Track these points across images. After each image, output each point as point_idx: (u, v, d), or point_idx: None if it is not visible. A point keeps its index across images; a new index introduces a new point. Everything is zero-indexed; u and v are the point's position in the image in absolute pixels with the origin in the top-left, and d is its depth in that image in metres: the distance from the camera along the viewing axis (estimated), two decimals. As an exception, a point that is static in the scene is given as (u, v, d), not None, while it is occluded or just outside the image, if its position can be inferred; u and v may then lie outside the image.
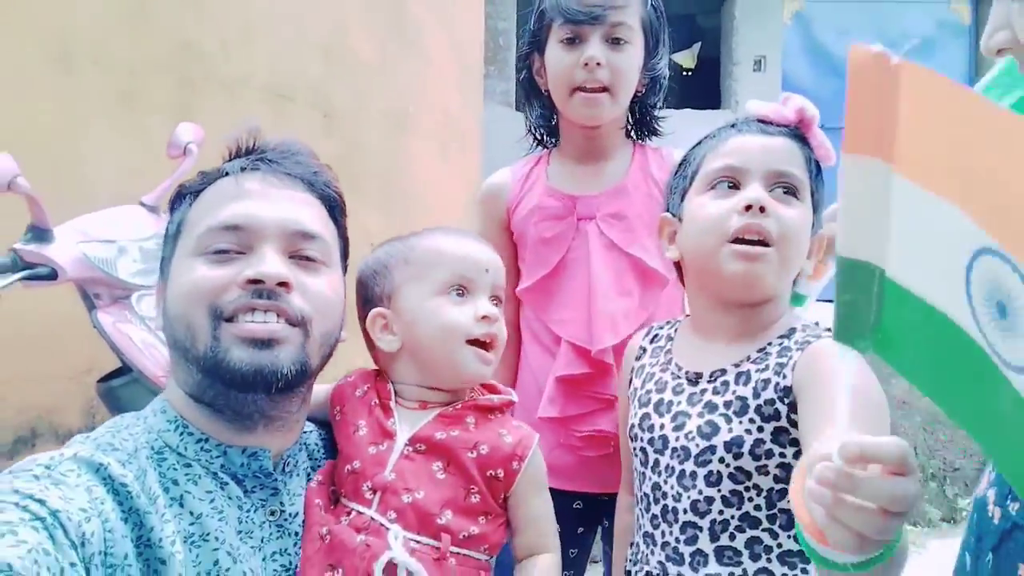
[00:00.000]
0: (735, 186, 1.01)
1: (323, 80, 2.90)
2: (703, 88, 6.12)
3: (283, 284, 0.83)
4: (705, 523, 0.96)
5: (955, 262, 0.48)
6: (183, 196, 0.91)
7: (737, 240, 0.97)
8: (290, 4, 2.77)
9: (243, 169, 0.90)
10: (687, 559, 0.97)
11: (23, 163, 1.73)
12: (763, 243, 0.96)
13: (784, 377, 0.94)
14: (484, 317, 0.95)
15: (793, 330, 1.00)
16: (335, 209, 0.96)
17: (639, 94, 1.38)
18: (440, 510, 0.87)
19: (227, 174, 0.90)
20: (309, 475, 0.94)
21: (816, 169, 1.03)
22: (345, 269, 0.97)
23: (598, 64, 1.28)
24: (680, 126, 1.54)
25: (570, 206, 1.36)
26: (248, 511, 0.84)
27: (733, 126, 1.07)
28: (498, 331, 0.97)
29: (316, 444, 0.99)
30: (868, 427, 0.72)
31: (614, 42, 1.30)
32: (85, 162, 2.15)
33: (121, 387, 1.98)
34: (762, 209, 0.96)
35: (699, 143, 1.10)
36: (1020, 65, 0.66)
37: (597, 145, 1.38)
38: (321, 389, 0.99)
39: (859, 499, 0.55)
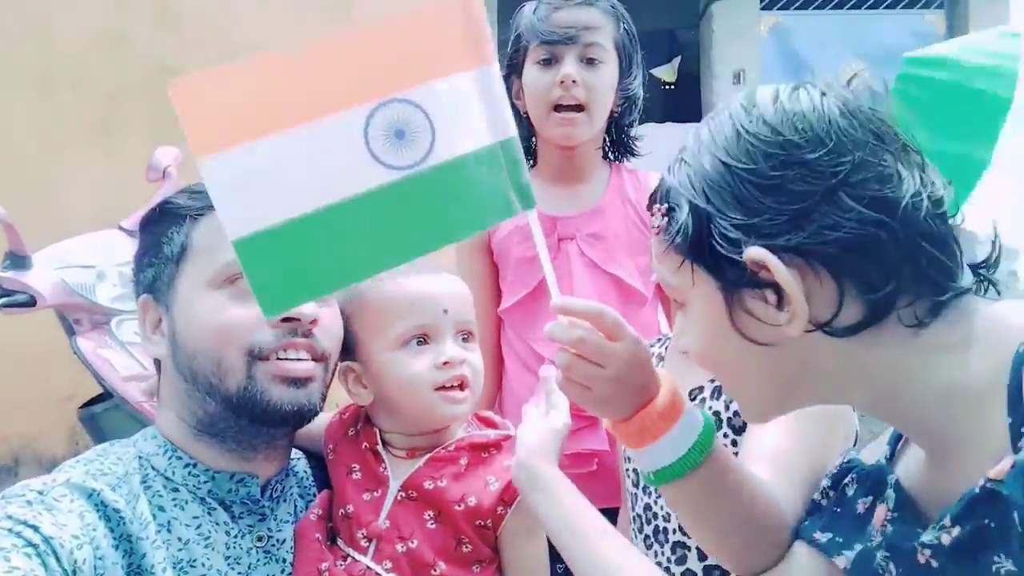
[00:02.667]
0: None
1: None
2: (684, 102, 6.18)
3: (313, 321, 0.84)
4: (693, 543, 0.97)
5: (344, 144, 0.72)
6: (180, 216, 0.87)
7: None
8: (270, 29, 2.79)
9: None
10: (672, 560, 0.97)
11: (0, 189, 1.74)
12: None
13: (728, 408, 0.96)
14: (446, 363, 0.90)
15: None
16: None
17: (614, 114, 1.40)
18: (434, 559, 0.86)
19: None
20: (296, 502, 0.94)
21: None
22: None
23: (573, 82, 1.30)
24: (662, 140, 1.57)
25: (550, 227, 1.37)
26: (236, 537, 0.84)
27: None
28: (467, 370, 0.92)
29: (305, 472, 0.98)
30: (804, 424, 0.81)
31: (589, 62, 1.33)
32: (63, 188, 2.16)
33: (103, 413, 1.98)
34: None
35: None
36: None
37: (574, 166, 1.40)
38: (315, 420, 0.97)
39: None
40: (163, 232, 0.87)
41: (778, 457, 0.79)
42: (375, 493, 0.90)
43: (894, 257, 0.56)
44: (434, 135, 0.70)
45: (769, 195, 0.58)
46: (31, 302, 1.86)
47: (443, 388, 0.90)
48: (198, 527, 0.81)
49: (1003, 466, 0.50)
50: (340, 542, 0.90)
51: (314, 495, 0.96)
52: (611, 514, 1.20)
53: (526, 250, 1.37)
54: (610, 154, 1.45)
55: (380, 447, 0.94)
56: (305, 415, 0.84)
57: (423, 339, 0.92)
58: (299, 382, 0.83)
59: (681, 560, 0.99)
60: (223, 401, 0.82)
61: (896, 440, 0.68)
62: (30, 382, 2.10)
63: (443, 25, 0.71)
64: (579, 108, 1.32)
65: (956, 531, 0.54)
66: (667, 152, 1.64)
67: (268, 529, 0.86)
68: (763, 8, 5.99)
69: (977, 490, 0.52)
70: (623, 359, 0.70)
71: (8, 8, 2.04)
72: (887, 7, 5.90)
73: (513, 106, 1.43)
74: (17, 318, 1.84)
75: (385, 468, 0.92)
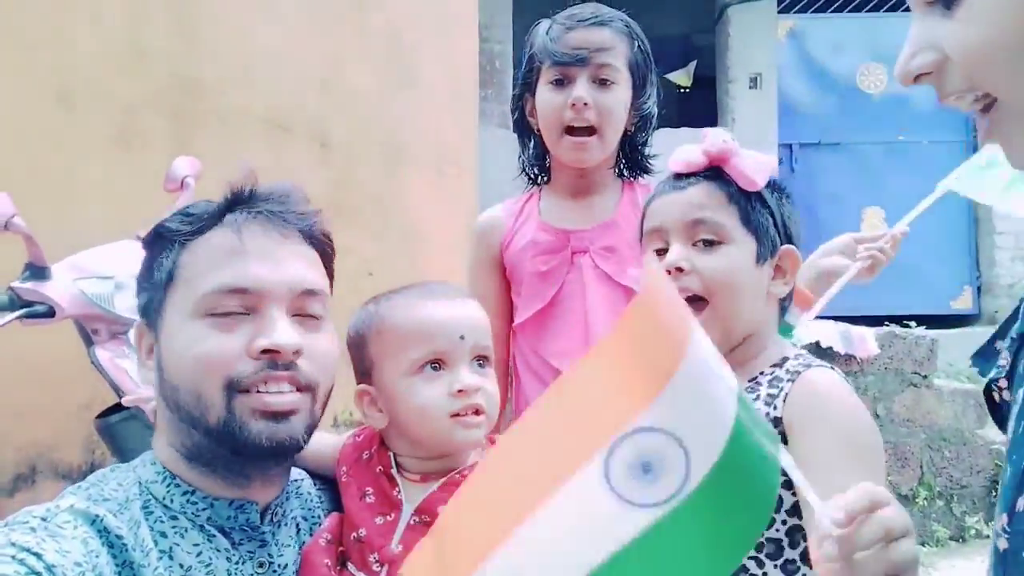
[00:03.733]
0: (664, 249, 1.02)
1: (320, 111, 2.93)
2: (700, 106, 6.15)
3: (296, 352, 0.82)
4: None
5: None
6: (170, 240, 0.87)
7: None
8: (287, 37, 2.80)
9: (245, 220, 0.87)
10: None
11: (20, 200, 1.75)
12: (700, 299, 0.98)
13: (775, 408, 0.94)
14: (461, 391, 0.90)
15: (785, 358, 1.00)
16: (327, 257, 0.94)
17: (628, 132, 1.40)
18: None
19: (223, 223, 0.87)
20: (299, 524, 0.93)
21: (746, 198, 1.01)
22: None
23: (585, 104, 1.31)
24: (677, 144, 1.56)
25: (564, 240, 1.38)
26: (237, 563, 0.84)
27: (658, 187, 1.09)
28: (481, 398, 0.91)
29: (310, 493, 0.97)
30: (863, 476, 0.74)
31: (601, 83, 1.33)
32: (82, 198, 2.17)
33: (119, 423, 1.98)
34: (680, 270, 0.98)
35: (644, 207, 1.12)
36: (938, 93, 0.60)
37: (587, 183, 1.41)
38: (321, 441, 0.96)
39: (865, 553, 0.59)
40: (155, 256, 0.87)
41: None
42: (388, 517, 0.90)
43: None
44: (686, 451, 0.59)
45: None
46: (50, 313, 1.87)
47: (458, 415, 0.89)
48: (199, 554, 0.81)
49: None
50: (351, 566, 0.89)
51: (320, 517, 0.95)
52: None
53: (539, 264, 1.37)
54: (624, 171, 1.45)
55: (394, 471, 0.93)
56: (286, 450, 0.82)
57: (438, 364, 0.91)
58: (280, 416, 0.81)
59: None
60: (205, 433, 0.81)
61: None
62: (47, 391, 2.11)
63: (650, 316, 0.61)
64: (591, 131, 1.33)
65: None
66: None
67: (269, 555, 0.86)
68: (780, 11, 5.94)
69: None
70: (909, 521, 0.63)
71: (25, 19, 2.06)
72: (905, 9, 5.82)
73: (527, 123, 1.45)
74: (33, 329, 1.85)
75: (399, 492, 0.91)
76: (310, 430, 0.85)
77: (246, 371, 0.81)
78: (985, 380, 0.72)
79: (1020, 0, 0.53)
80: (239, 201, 0.89)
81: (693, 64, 6.48)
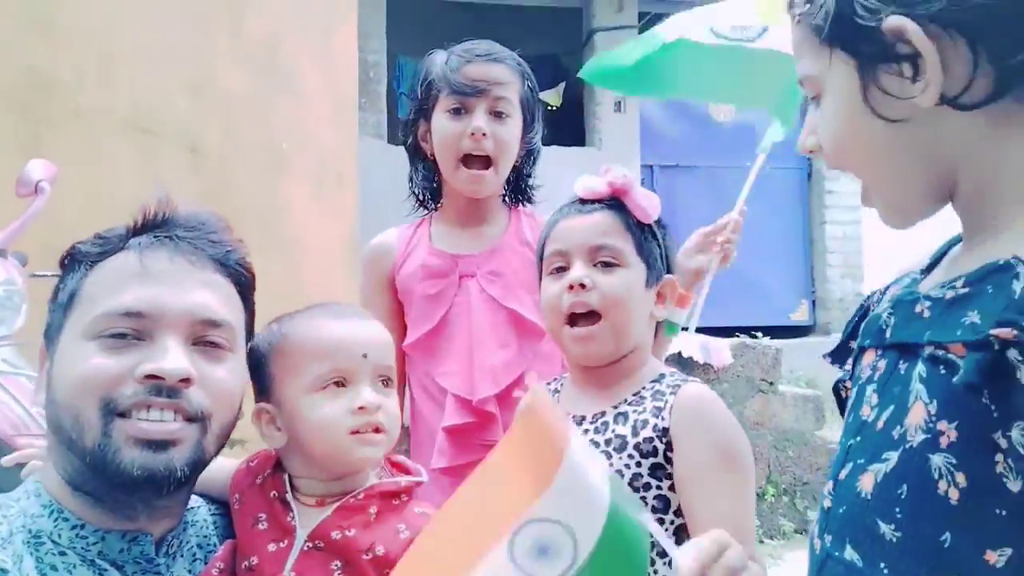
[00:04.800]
0: (564, 268, 1.11)
1: (190, 115, 2.78)
2: (569, 126, 6.40)
3: (184, 380, 0.80)
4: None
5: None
6: (77, 261, 0.84)
7: (572, 317, 1.09)
8: (153, 35, 2.64)
9: (150, 244, 0.85)
10: None
11: None
12: (595, 313, 1.08)
13: (662, 419, 1.04)
14: (361, 408, 0.90)
15: (662, 375, 1.12)
16: (245, 288, 0.92)
17: (516, 164, 1.48)
18: None
19: (128, 246, 0.85)
20: (195, 554, 0.90)
21: (640, 229, 1.12)
22: (251, 341, 0.95)
23: (484, 135, 1.37)
24: (548, 162, 1.66)
25: (452, 265, 1.43)
26: None
27: (560, 211, 1.18)
28: (382, 417, 0.92)
29: (205, 520, 0.94)
30: (737, 479, 0.96)
31: (496, 115, 1.40)
32: (-82, 202, 1.95)
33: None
34: (583, 286, 1.07)
35: (542, 228, 1.21)
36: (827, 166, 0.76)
37: (478, 211, 1.47)
38: (218, 466, 0.94)
39: None
40: (63, 278, 0.84)
41: (732, 521, 0.87)
42: (281, 544, 0.89)
43: None
44: (573, 535, 0.70)
45: None
46: None
47: (357, 431, 0.90)
48: None
49: None
50: None
51: (215, 545, 0.92)
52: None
53: (428, 288, 1.43)
54: (510, 199, 1.54)
55: (289, 495, 0.92)
56: (159, 482, 0.79)
57: (341, 382, 0.91)
58: (157, 445, 0.78)
59: None
60: (80, 458, 0.78)
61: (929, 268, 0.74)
62: None
63: (534, 426, 0.72)
64: (487, 161, 1.40)
65: (963, 291, 0.60)
66: (553, 174, 1.74)
67: None
68: (642, 41, 6.30)
69: (1001, 262, 0.58)
70: (744, 555, 0.73)
71: None
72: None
73: (419, 148, 1.48)
74: None
75: (292, 518, 0.90)
76: (194, 464, 0.82)
77: (126, 394, 0.78)
78: (834, 381, 0.84)
79: (844, 107, 0.66)
80: (150, 225, 0.87)
81: (562, 85, 6.73)
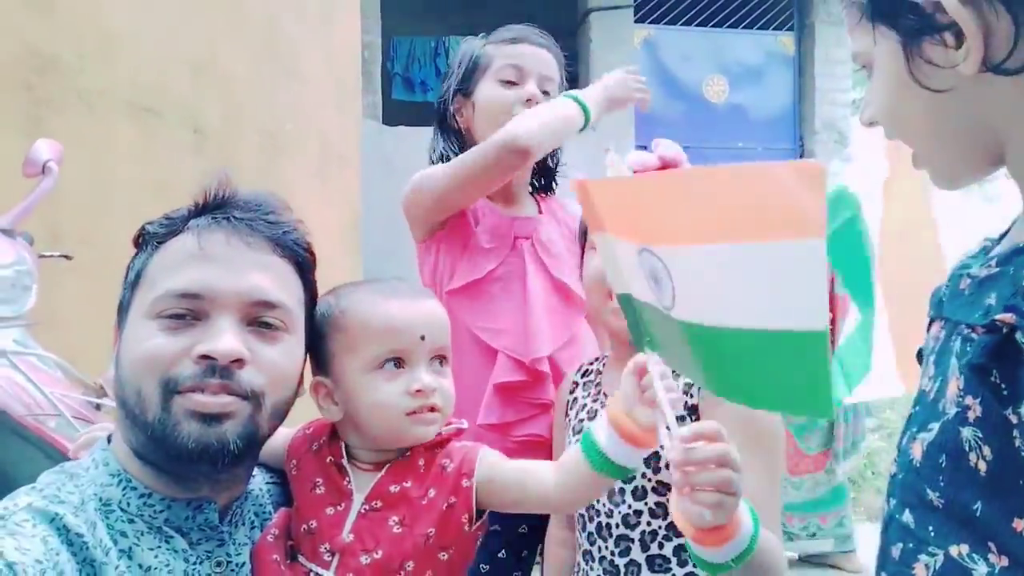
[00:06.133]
0: None
1: (192, 96, 2.77)
2: (563, 107, 6.39)
3: (236, 361, 0.82)
4: (636, 535, 1.06)
5: (634, 267, 0.77)
6: (147, 243, 0.88)
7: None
8: (155, 16, 2.63)
9: (208, 225, 0.87)
10: (622, 571, 1.05)
11: None
12: None
13: (692, 397, 1.08)
14: (418, 391, 0.92)
15: None
16: (304, 267, 0.93)
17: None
18: (400, 564, 0.88)
19: (187, 228, 0.87)
20: (254, 523, 0.93)
21: None
22: (313, 320, 0.96)
23: (537, 102, 1.43)
24: None
25: (508, 224, 1.47)
26: (194, 564, 0.83)
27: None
28: (438, 398, 0.94)
29: (261, 489, 0.97)
30: (759, 466, 0.97)
31: (544, 93, 1.46)
32: (-74, 183, 1.94)
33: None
34: None
35: None
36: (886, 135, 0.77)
37: (510, 190, 1.51)
38: (276, 436, 0.96)
39: (697, 477, 0.76)
40: (133, 258, 0.88)
41: (757, 497, 0.90)
42: (339, 507, 0.92)
43: None
44: (673, 288, 0.71)
45: None
46: None
47: (414, 412, 0.93)
48: (156, 556, 0.81)
49: None
50: (301, 558, 0.90)
51: (269, 513, 0.95)
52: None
53: (487, 242, 1.44)
54: (536, 186, 1.59)
55: (345, 461, 0.94)
56: (213, 454, 0.81)
57: (398, 362, 0.94)
58: (211, 418, 0.81)
59: (625, 552, 1.07)
60: (143, 431, 0.82)
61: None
62: None
63: (771, 191, 0.63)
64: None
65: (994, 270, 0.62)
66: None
67: (227, 554, 0.86)
68: (637, 21, 6.29)
69: (1021, 244, 0.60)
70: (736, 461, 0.78)
71: None
72: (745, 27, 6.39)
73: (455, 122, 1.50)
74: None
75: (349, 482, 0.93)
76: (248, 438, 0.84)
77: (183, 373, 0.81)
78: None
79: (891, 80, 0.68)
80: (210, 207, 0.89)
81: (558, 65, 6.70)
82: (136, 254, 0.89)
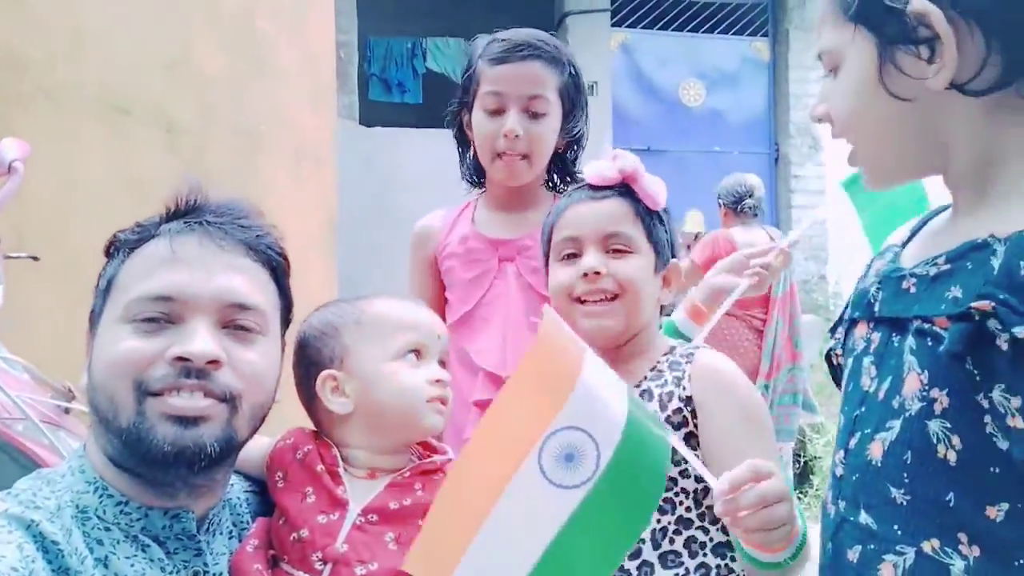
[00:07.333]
0: (576, 254, 1.13)
1: (165, 94, 2.73)
2: (540, 109, 6.40)
3: (212, 362, 0.82)
4: (647, 536, 1.05)
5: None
6: (118, 249, 0.88)
7: (581, 301, 1.12)
8: (126, 14, 2.59)
9: (180, 230, 0.87)
10: (634, 573, 1.04)
11: None
12: (612, 297, 1.10)
13: (684, 388, 1.08)
14: (438, 381, 0.99)
15: (672, 347, 1.16)
16: (278, 272, 0.93)
17: (559, 151, 1.51)
18: None
19: (160, 233, 0.87)
20: (231, 532, 0.92)
21: (649, 216, 1.15)
22: (287, 326, 0.96)
23: (516, 136, 1.40)
24: None
25: (492, 250, 1.49)
26: (171, 573, 0.82)
27: (570, 196, 1.20)
28: (449, 392, 1.01)
29: (239, 498, 0.96)
30: (760, 439, 0.99)
31: (532, 115, 1.41)
32: None
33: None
34: (597, 273, 1.10)
35: (549, 213, 1.23)
36: (832, 134, 0.79)
37: (519, 198, 1.51)
38: (254, 446, 0.95)
39: (746, 512, 0.79)
40: (106, 265, 0.88)
41: None
42: (332, 516, 0.91)
43: None
44: (595, 440, 0.78)
45: None
46: None
47: (432, 400, 0.98)
48: (132, 565, 0.80)
49: (1011, 228, 0.61)
50: (285, 566, 0.89)
51: (248, 523, 0.94)
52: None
53: (469, 271, 1.49)
54: (555, 186, 1.57)
55: (340, 468, 0.94)
56: (190, 457, 0.81)
57: (418, 355, 0.99)
58: (187, 421, 0.80)
59: (636, 554, 1.06)
60: (117, 436, 0.81)
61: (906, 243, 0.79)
62: None
63: (549, 347, 0.79)
64: (522, 156, 1.42)
65: (945, 267, 0.65)
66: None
67: (204, 564, 0.85)
68: (613, 25, 6.32)
69: (979, 240, 0.63)
70: (784, 489, 0.80)
71: None
72: (721, 32, 6.46)
73: (464, 135, 1.50)
74: None
75: (344, 491, 0.92)
76: (224, 441, 0.83)
77: (157, 375, 0.80)
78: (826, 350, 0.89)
79: (858, 82, 0.71)
80: (182, 212, 0.89)
81: (534, 68, 6.70)
82: (108, 262, 0.88)
